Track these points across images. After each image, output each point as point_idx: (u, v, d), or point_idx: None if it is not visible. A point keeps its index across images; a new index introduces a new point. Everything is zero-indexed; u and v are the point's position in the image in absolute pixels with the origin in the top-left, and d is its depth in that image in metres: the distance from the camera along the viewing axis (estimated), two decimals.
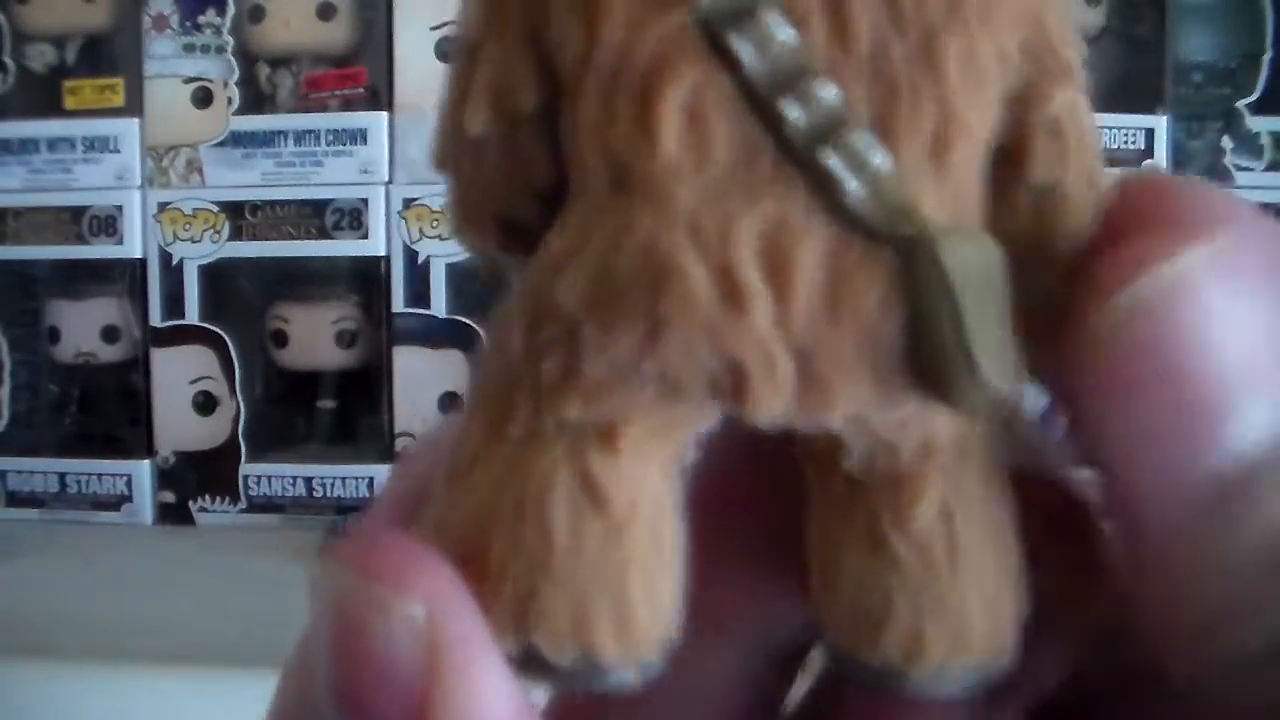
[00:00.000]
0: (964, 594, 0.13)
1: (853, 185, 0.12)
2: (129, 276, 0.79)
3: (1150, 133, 0.74)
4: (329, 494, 0.77)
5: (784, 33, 0.12)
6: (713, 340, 0.11)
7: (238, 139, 0.77)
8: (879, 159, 0.12)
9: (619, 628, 0.12)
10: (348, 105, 0.77)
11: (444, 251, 0.75)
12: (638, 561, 0.12)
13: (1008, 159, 0.13)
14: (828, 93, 0.12)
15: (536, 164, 0.13)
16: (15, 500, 0.80)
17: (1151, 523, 0.12)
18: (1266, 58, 0.75)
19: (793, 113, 0.12)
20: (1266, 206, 0.75)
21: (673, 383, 0.12)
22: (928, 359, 0.12)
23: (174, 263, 0.78)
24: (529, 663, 0.12)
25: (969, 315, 0.12)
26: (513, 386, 0.12)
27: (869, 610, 0.13)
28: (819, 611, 0.14)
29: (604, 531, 0.12)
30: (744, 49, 0.12)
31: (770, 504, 0.14)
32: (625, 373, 0.12)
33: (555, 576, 0.12)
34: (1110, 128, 0.74)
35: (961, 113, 0.12)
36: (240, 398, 0.78)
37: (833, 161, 0.12)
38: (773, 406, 0.12)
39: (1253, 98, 0.75)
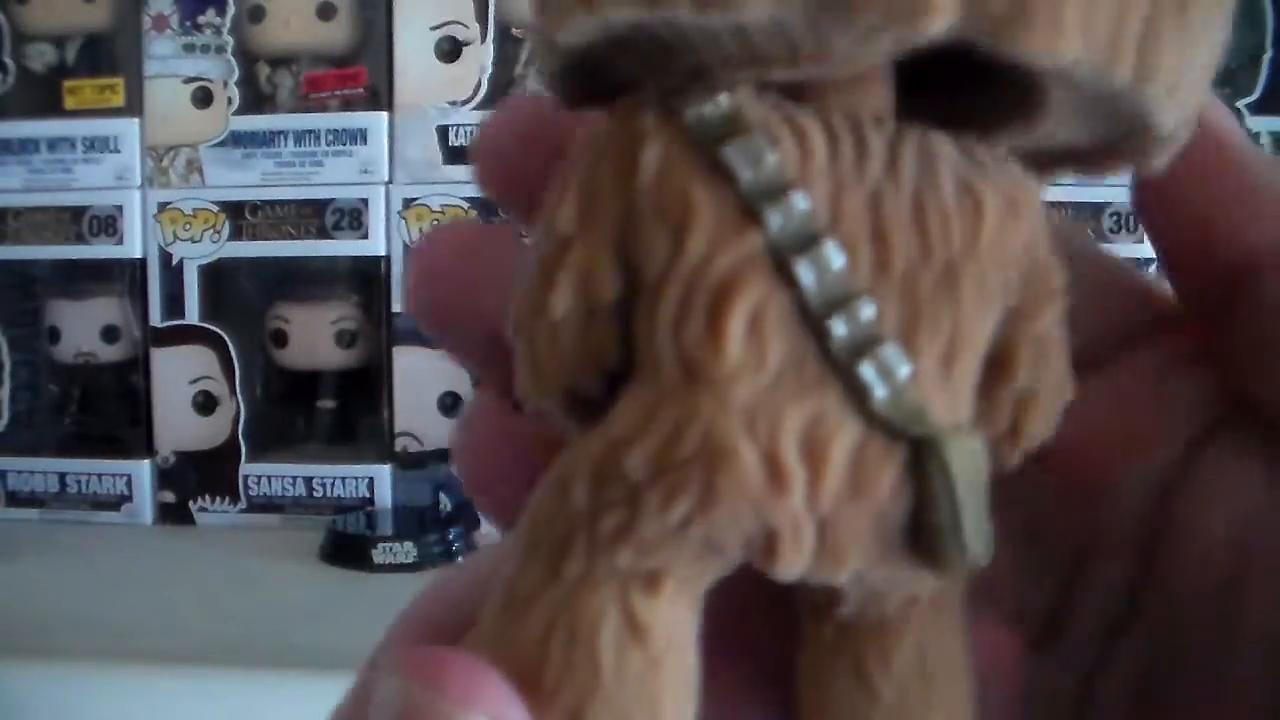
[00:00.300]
0: (931, 718, 0.15)
1: (880, 392, 0.14)
2: (129, 276, 0.79)
3: None
4: (329, 494, 0.77)
5: (838, 260, 0.14)
6: (757, 512, 0.14)
7: (238, 139, 0.77)
8: (904, 370, 0.14)
9: None
10: (348, 105, 0.77)
11: None
12: (671, 689, 0.14)
13: (997, 364, 0.15)
14: (868, 311, 0.14)
15: (607, 348, 0.15)
16: (15, 500, 0.80)
17: None
18: (1266, 58, 0.75)
19: (838, 329, 0.14)
20: None
21: (716, 545, 0.14)
22: (927, 536, 0.14)
23: (174, 263, 0.78)
24: None
25: (963, 503, 0.14)
26: (572, 534, 0.14)
27: None
28: None
29: (644, 661, 0.14)
30: (805, 272, 0.14)
31: (768, 644, 0.17)
32: (676, 534, 0.14)
33: (601, 698, 0.14)
34: None
35: (969, 331, 0.14)
36: (240, 398, 0.78)
37: (867, 370, 0.14)
38: (795, 566, 0.14)
39: (1253, 98, 0.75)
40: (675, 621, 0.14)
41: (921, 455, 0.14)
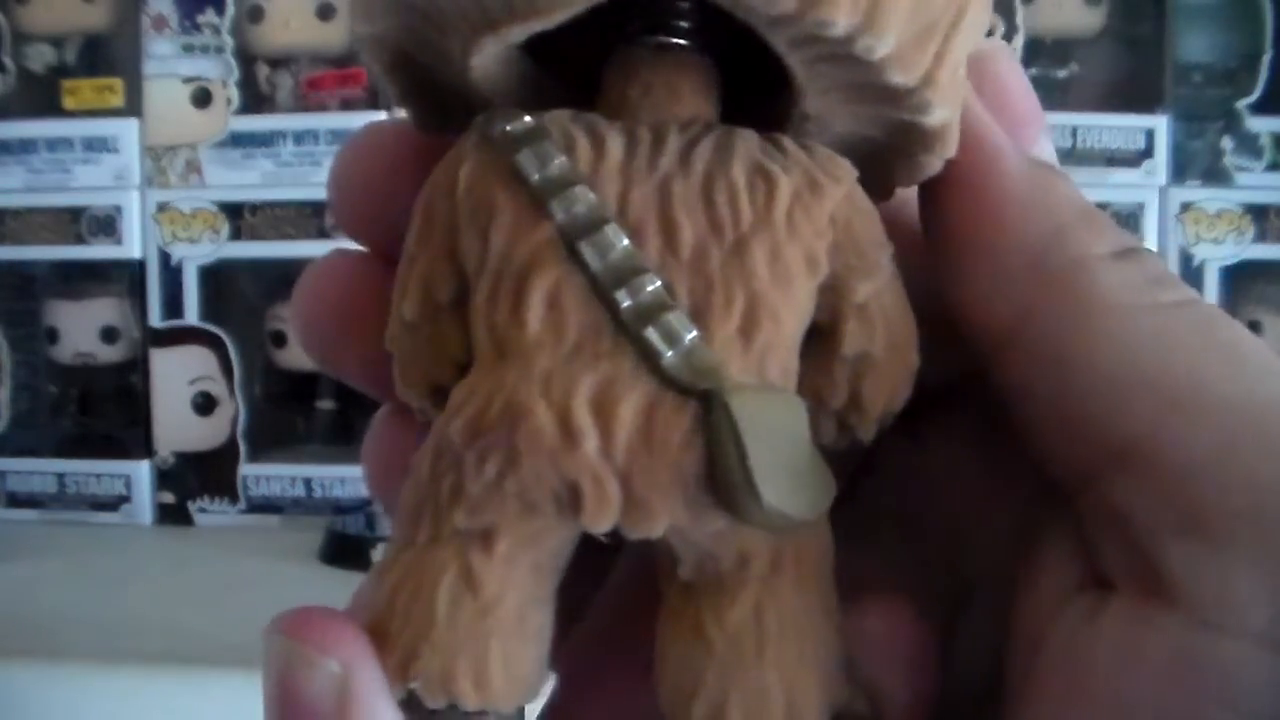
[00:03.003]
0: (766, 677, 0.16)
1: (669, 354, 0.15)
2: (128, 277, 0.79)
3: (1150, 133, 0.74)
4: (328, 494, 0.77)
5: (620, 240, 0.16)
6: (554, 465, 0.15)
7: (237, 139, 0.77)
8: (690, 334, 0.16)
9: (478, 683, 0.16)
10: (347, 106, 0.77)
11: None
12: (499, 636, 0.16)
13: (825, 334, 0.17)
14: (652, 284, 0.16)
15: (452, 341, 0.17)
16: (15, 501, 0.80)
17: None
18: (1266, 58, 0.75)
19: (625, 301, 0.16)
20: (1266, 207, 0.75)
21: (529, 501, 0.16)
22: (720, 485, 0.15)
23: (173, 263, 0.78)
24: (412, 705, 0.16)
25: (753, 452, 0.15)
26: (421, 504, 0.16)
27: (685, 685, 0.16)
28: (658, 692, 0.17)
29: (476, 610, 0.16)
30: (589, 253, 0.16)
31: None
32: (494, 491, 0.16)
33: (433, 640, 0.16)
34: (1110, 128, 0.74)
35: (768, 299, 0.16)
36: (239, 398, 0.78)
37: (653, 335, 0.15)
38: (604, 518, 0.15)
39: (1253, 98, 0.75)
40: (511, 577, 0.16)
41: (710, 408, 0.15)
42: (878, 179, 0.18)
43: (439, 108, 0.18)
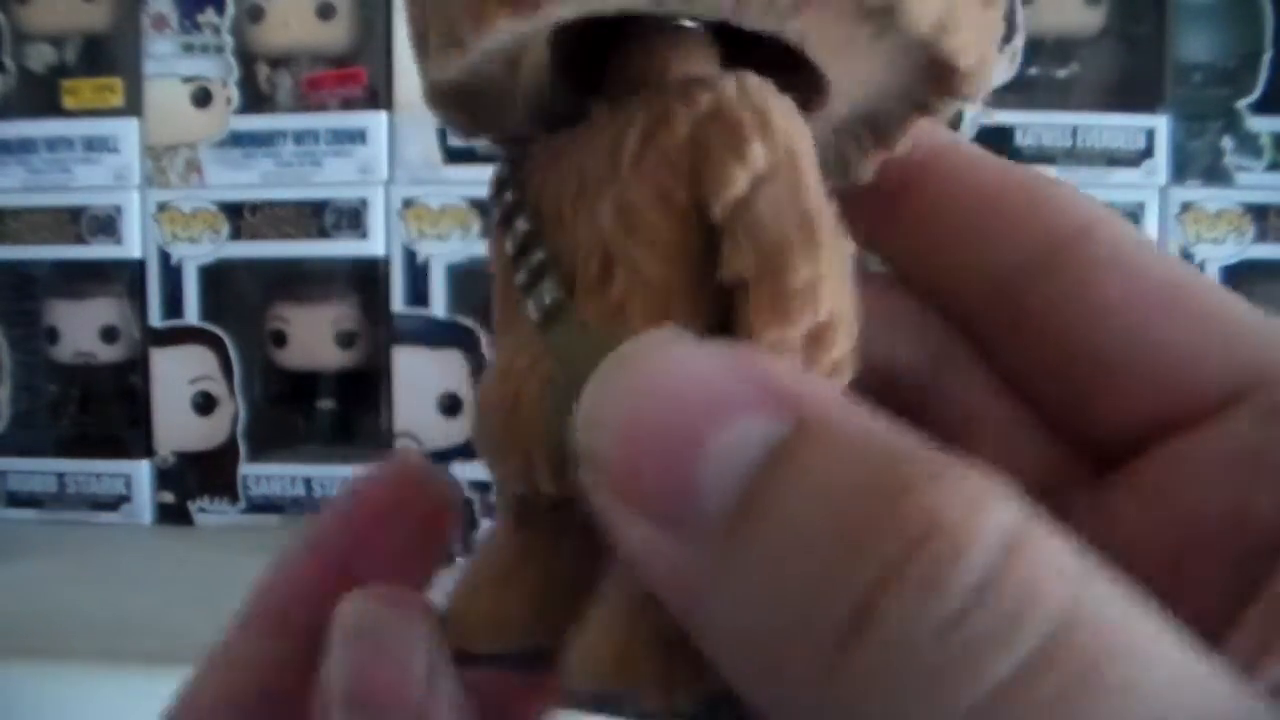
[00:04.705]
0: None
1: (534, 314, 0.17)
2: (128, 276, 0.79)
3: (1150, 133, 0.74)
4: (328, 494, 0.77)
5: (522, 224, 0.17)
6: (507, 443, 0.17)
7: (237, 139, 0.77)
8: (550, 295, 0.17)
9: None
10: (347, 105, 0.77)
11: (443, 251, 0.75)
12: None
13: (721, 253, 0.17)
14: (536, 258, 0.17)
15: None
16: (15, 500, 0.80)
17: None
18: (1266, 58, 0.75)
19: (520, 277, 0.17)
20: (1266, 207, 0.75)
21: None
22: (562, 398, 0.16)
23: (173, 263, 0.78)
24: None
25: (567, 394, 0.15)
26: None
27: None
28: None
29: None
30: (507, 239, 0.18)
31: None
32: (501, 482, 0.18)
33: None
34: (1110, 128, 0.74)
35: (619, 250, 0.16)
36: (239, 398, 0.78)
37: (532, 302, 0.17)
38: (543, 487, 0.17)
39: (1253, 98, 0.75)
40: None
41: (544, 341, 0.17)
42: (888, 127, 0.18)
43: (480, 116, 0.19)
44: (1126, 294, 0.17)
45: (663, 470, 0.12)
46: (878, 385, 0.16)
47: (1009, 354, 0.18)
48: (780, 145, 0.16)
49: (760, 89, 0.16)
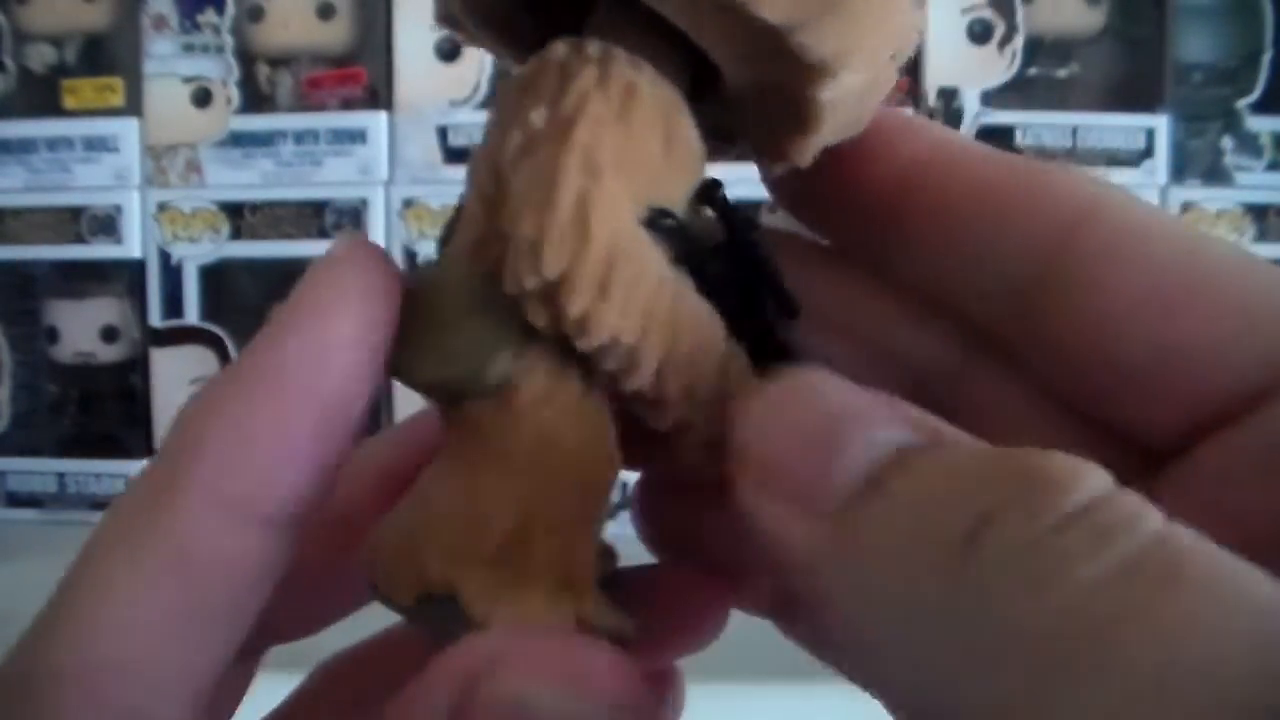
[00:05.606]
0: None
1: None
2: (128, 276, 0.79)
3: (1150, 133, 0.74)
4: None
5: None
6: None
7: (237, 139, 0.77)
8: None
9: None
10: (347, 105, 0.77)
11: None
12: None
13: None
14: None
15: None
16: (15, 501, 0.80)
17: None
18: (1266, 58, 0.75)
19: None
20: (1266, 207, 0.75)
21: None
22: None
23: (173, 263, 0.78)
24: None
25: (431, 310, 0.19)
26: None
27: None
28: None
29: None
30: None
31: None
32: None
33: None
34: (1110, 128, 0.74)
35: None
36: None
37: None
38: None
39: (1253, 98, 0.75)
40: None
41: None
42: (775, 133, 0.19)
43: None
44: (1141, 292, 0.17)
45: (805, 458, 0.14)
46: (910, 388, 0.17)
47: (1033, 359, 0.18)
48: (559, 117, 0.17)
49: (606, 59, 0.18)
